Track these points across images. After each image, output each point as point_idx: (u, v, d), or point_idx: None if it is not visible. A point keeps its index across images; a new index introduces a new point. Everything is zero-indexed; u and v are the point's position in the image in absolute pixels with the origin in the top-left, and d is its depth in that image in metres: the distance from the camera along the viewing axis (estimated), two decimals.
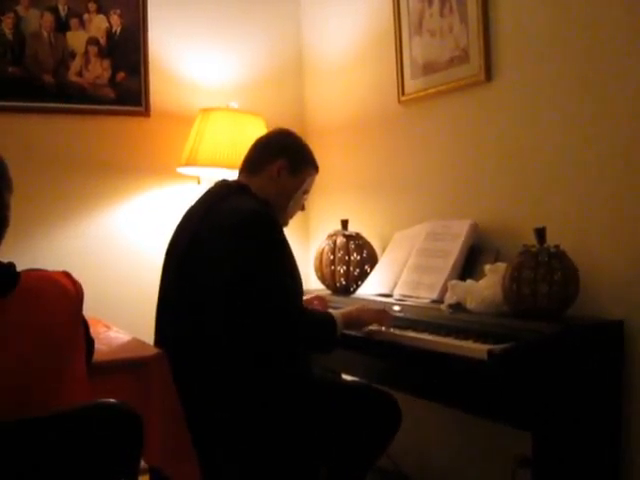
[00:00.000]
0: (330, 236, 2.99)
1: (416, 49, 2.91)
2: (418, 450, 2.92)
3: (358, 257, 2.88)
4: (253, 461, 2.05)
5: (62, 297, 1.47)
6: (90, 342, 1.66)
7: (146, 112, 3.43)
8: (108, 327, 2.33)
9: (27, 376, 1.39)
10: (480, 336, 1.98)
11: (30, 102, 3.23)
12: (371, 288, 2.76)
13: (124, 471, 1.45)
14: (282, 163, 2.29)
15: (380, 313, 2.31)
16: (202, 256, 2.09)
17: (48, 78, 3.27)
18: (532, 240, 2.10)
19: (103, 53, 3.37)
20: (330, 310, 2.31)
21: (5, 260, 1.48)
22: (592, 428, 2.00)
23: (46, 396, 1.41)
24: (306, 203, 2.45)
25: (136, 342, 2.11)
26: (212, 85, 3.59)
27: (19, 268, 1.47)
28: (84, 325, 1.57)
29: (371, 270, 2.86)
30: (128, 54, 3.41)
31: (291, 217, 2.40)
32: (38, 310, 1.42)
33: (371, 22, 3.22)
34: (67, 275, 1.53)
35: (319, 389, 2.21)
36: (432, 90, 2.83)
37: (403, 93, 2.99)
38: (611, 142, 2.14)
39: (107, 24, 3.38)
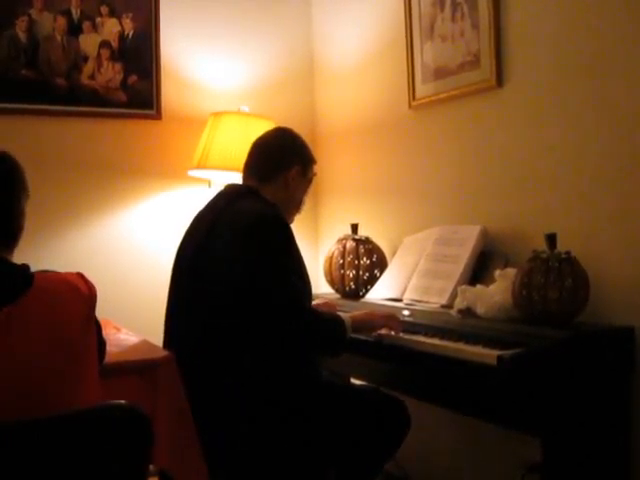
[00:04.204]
0: (340, 240, 2.99)
1: (427, 54, 2.91)
2: (426, 455, 2.92)
3: (368, 261, 2.88)
4: (262, 463, 2.05)
5: (76, 298, 1.48)
6: (102, 344, 1.66)
7: (157, 115, 3.44)
8: (118, 329, 2.34)
9: (41, 376, 1.40)
10: (490, 341, 1.98)
11: (42, 105, 3.24)
12: (380, 292, 2.76)
13: (133, 472, 1.46)
14: (296, 170, 2.30)
15: (389, 317, 2.31)
16: (212, 258, 2.10)
17: (61, 81, 3.29)
18: (542, 246, 2.09)
19: (115, 56, 3.39)
20: (339, 313, 2.31)
21: (18, 261, 1.49)
22: (602, 434, 2.00)
23: (60, 397, 1.42)
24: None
25: (145, 344, 2.12)
26: (223, 89, 3.60)
27: (31, 270, 1.48)
28: (97, 327, 1.58)
29: (380, 274, 2.86)
30: (140, 57, 3.42)
31: (298, 214, 2.42)
32: (52, 311, 1.43)
33: (382, 27, 3.22)
34: (81, 276, 1.54)
35: (328, 393, 2.21)
36: (443, 95, 2.83)
37: (414, 98, 2.99)
38: (623, 148, 2.13)
39: (119, 28, 3.40)
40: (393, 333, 2.27)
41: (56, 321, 1.43)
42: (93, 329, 1.54)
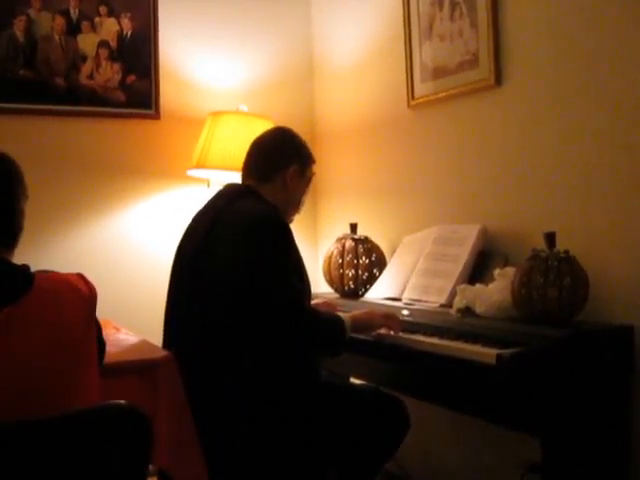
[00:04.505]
0: (339, 239, 2.99)
1: (426, 53, 2.91)
2: (425, 454, 2.92)
3: (367, 261, 2.88)
4: (261, 464, 2.05)
5: (76, 299, 1.48)
6: (102, 344, 1.67)
7: (156, 115, 3.44)
8: (117, 329, 2.34)
9: (42, 377, 1.40)
10: (489, 340, 1.98)
11: (41, 105, 3.24)
12: (380, 292, 2.76)
13: (133, 472, 1.46)
14: (295, 169, 2.30)
15: (389, 317, 2.31)
16: (212, 258, 2.10)
17: (59, 81, 3.29)
18: (541, 245, 2.09)
19: (114, 56, 3.39)
20: (339, 313, 2.31)
21: (18, 262, 1.49)
22: (601, 433, 2.00)
23: (60, 397, 1.42)
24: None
25: (145, 344, 2.12)
26: (222, 88, 3.60)
27: (31, 270, 1.49)
28: (97, 327, 1.58)
29: (380, 274, 2.86)
30: (139, 57, 3.42)
31: (297, 214, 2.42)
32: (53, 311, 1.43)
33: (381, 26, 3.22)
34: (81, 277, 1.55)
35: (327, 392, 2.21)
36: (442, 94, 2.83)
37: (413, 97, 2.99)
38: (622, 146, 2.13)
39: (118, 27, 3.39)
40: (392, 333, 2.27)
41: (57, 321, 1.43)
42: (93, 329, 1.54)
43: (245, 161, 2.36)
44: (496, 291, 2.21)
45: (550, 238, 2.08)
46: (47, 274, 1.51)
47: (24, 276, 1.44)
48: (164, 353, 1.96)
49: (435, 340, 2.13)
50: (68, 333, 1.45)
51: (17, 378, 1.37)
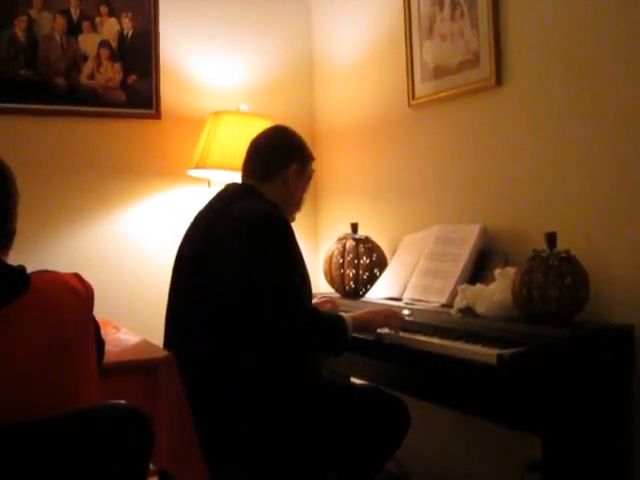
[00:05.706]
0: (339, 239, 2.99)
1: (427, 53, 2.91)
2: (426, 454, 2.92)
3: (367, 260, 2.88)
4: (261, 463, 2.05)
5: (73, 298, 1.48)
6: (101, 343, 1.67)
7: (157, 115, 3.44)
8: (118, 328, 2.34)
9: (40, 377, 1.40)
10: (489, 340, 1.98)
11: (42, 105, 3.24)
12: (380, 292, 2.76)
13: (133, 472, 1.46)
14: (295, 168, 2.30)
15: (390, 316, 2.30)
16: (213, 258, 2.10)
17: (60, 81, 3.29)
18: (541, 245, 2.09)
19: (115, 56, 3.39)
20: (341, 313, 2.31)
21: (15, 262, 1.49)
22: (602, 432, 2.00)
23: (59, 397, 1.42)
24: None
25: (145, 344, 2.12)
26: (223, 88, 3.60)
27: (29, 270, 1.49)
28: (95, 326, 1.58)
29: (380, 274, 2.86)
30: (139, 57, 3.42)
31: (298, 212, 2.42)
32: (50, 311, 1.43)
33: (382, 26, 3.22)
34: (77, 277, 1.55)
35: (328, 392, 2.22)
36: (442, 94, 2.83)
37: (413, 97, 2.99)
38: (622, 146, 2.13)
39: (119, 27, 3.39)
40: (393, 332, 2.27)
41: (54, 321, 1.43)
42: (91, 329, 1.54)
43: (245, 161, 2.36)
44: (497, 291, 2.21)
45: (551, 238, 2.08)
46: (43, 275, 1.51)
47: (20, 277, 1.44)
48: (164, 353, 1.97)
49: (436, 340, 2.13)
50: (65, 333, 1.44)
51: (15, 378, 1.36)
